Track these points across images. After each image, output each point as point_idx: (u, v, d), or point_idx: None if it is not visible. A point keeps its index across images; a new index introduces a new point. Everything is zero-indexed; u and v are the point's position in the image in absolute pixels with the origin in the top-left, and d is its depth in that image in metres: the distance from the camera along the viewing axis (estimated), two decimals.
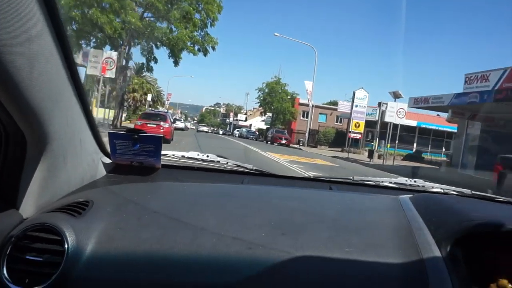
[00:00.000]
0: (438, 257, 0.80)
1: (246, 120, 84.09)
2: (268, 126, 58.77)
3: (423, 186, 1.63)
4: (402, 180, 1.68)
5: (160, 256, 0.83)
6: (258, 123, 76.07)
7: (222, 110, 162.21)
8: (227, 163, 1.64)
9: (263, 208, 1.06)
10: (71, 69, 0.88)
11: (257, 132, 56.30)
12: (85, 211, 0.91)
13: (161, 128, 14.60)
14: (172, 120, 18.87)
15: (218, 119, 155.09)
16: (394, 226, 0.96)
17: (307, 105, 48.22)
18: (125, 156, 1.27)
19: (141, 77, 55.97)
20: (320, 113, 47.83)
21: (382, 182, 1.67)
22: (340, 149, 30.38)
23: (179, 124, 42.24)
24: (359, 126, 31.10)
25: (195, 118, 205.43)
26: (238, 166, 1.64)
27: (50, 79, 0.80)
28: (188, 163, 1.61)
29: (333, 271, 0.81)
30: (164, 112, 21.64)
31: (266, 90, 44.98)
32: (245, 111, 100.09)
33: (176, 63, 22.40)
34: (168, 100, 67.86)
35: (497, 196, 1.64)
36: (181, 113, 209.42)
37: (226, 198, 1.16)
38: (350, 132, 31.03)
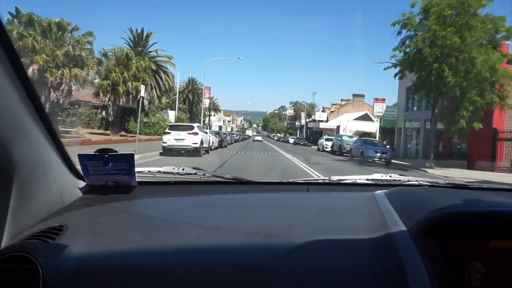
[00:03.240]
0: (413, 249, 0.82)
1: (327, 120, 55.47)
2: (387, 127, 30.01)
3: (399, 180, 1.65)
4: (378, 176, 1.69)
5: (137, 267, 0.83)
6: (351, 123, 47.11)
7: (288, 112, 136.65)
8: (204, 174, 1.62)
9: (241, 217, 1.09)
10: (29, 92, 0.88)
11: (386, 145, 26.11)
12: (59, 236, 0.90)
13: None
14: None
15: (285, 123, 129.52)
16: (370, 222, 0.97)
17: None
18: (99, 177, 1.23)
19: (132, 50, 27.09)
20: None
21: (359, 179, 1.67)
22: None
23: (192, 140, 15.65)
24: None
25: (260, 124, 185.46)
26: (215, 176, 1.63)
27: (9, 107, 0.81)
28: (165, 178, 1.57)
29: (310, 271, 0.82)
30: None
31: (423, 22, 15.70)
32: (321, 109, 72.08)
33: None
34: (205, 97, 41.85)
35: (469, 183, 1.96)
36: (244, 120, 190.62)
37: (204, 210, 1.18)
38: None
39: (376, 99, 30.84)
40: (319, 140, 34.42)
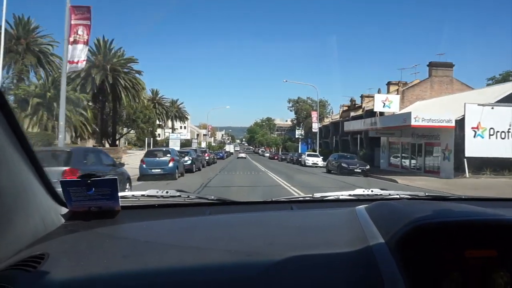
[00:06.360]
0: (391, 261, 0.85)
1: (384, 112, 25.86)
2: None
3: (380, 195, 1.71)
4: (360, 191, 1.75)
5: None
6: (491, 113, 16.59)
7: (278, 122, 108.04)
8: (188, 196, 1.62)
9: (224, 237, 1.10)
10: (10, 120, 0.90)
11: None
12: (40, 264, 0.89)
13: None
14: None
15: (275, 134, 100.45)
16: (350, 237, 1.00)
17: None
18: (82, 203, 1.23)
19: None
20: None
21: (341, 195, 1.72)
22: None
23: None
24: None
25: (244, 138, 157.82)
26: (199, 198, 1.64)
27: None
28: (149, 201, 1.58)
29: (289, 286, 0.85)
30: None
31: None
32: (340, 104, 43.33)
33: None
34: (74, 33, 11.97)
35: (448, 195, 2.00)
36: (226, 134, 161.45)
37: (188, 232, 1.19)
38: None
39: None
40: None
